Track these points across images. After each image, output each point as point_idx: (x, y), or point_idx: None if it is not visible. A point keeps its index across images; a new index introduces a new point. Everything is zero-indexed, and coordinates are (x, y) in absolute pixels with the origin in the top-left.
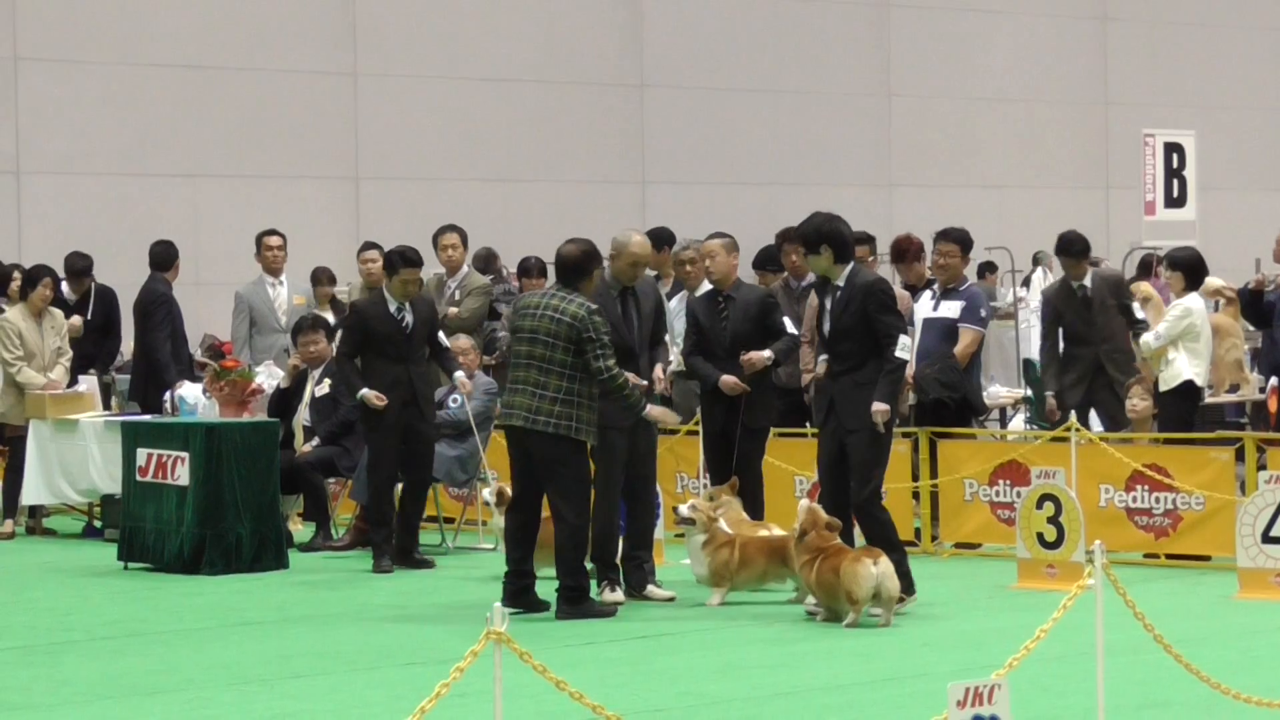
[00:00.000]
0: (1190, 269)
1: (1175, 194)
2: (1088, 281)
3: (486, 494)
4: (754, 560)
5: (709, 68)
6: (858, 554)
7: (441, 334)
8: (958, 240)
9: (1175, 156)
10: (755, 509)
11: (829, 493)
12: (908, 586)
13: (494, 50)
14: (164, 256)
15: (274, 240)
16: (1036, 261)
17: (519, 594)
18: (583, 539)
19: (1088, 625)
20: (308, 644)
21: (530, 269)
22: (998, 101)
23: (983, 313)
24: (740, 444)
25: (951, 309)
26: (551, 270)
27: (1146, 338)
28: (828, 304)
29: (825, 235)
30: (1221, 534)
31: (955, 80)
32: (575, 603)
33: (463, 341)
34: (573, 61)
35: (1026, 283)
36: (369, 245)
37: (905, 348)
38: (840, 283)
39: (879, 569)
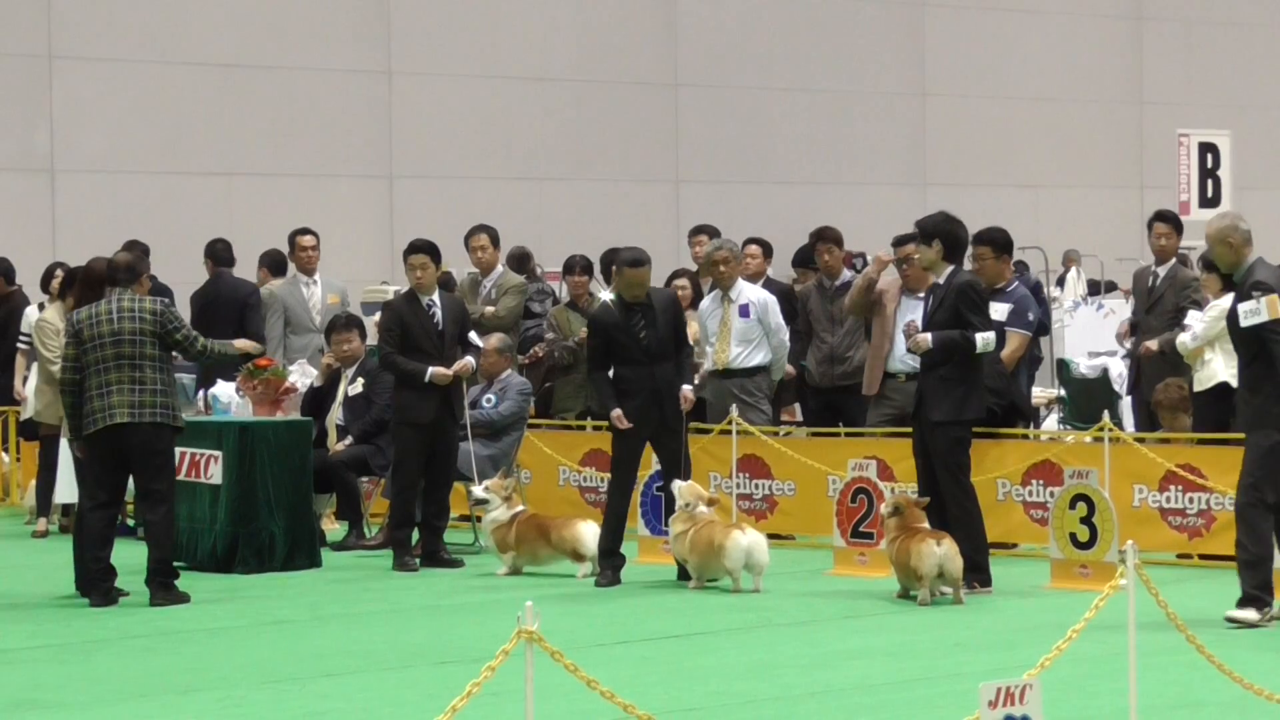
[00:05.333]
0: None
1: (1210, 194)
2: (1160, 270)
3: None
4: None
5: (744, 67)
6: (925, 534)
7: (474, 334)
8: (988, 241)
9: (1210, 156)
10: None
11: (922, 479)
12: (983, 579)
13: (529, 49)
14: (229, 253)
15: (307, 240)
16: (1068, 261)
17: (109, 591)
18: (176, 520)
19: (1120, 626)
20: (340, 643)
21: (575, 266)
22: (1032, 101)
23: (1030, 315)
24: (669, 444)
25: (998, 311)
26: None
27: (1183, 338)
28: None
29: (941, 231)
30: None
31: (990, 80)
32: (170, 589)
33: (491, 341)
34: (607, 60)
35: (1060, 283)
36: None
37: (987, 342)
38: (940, 281)
39: (942, 549)
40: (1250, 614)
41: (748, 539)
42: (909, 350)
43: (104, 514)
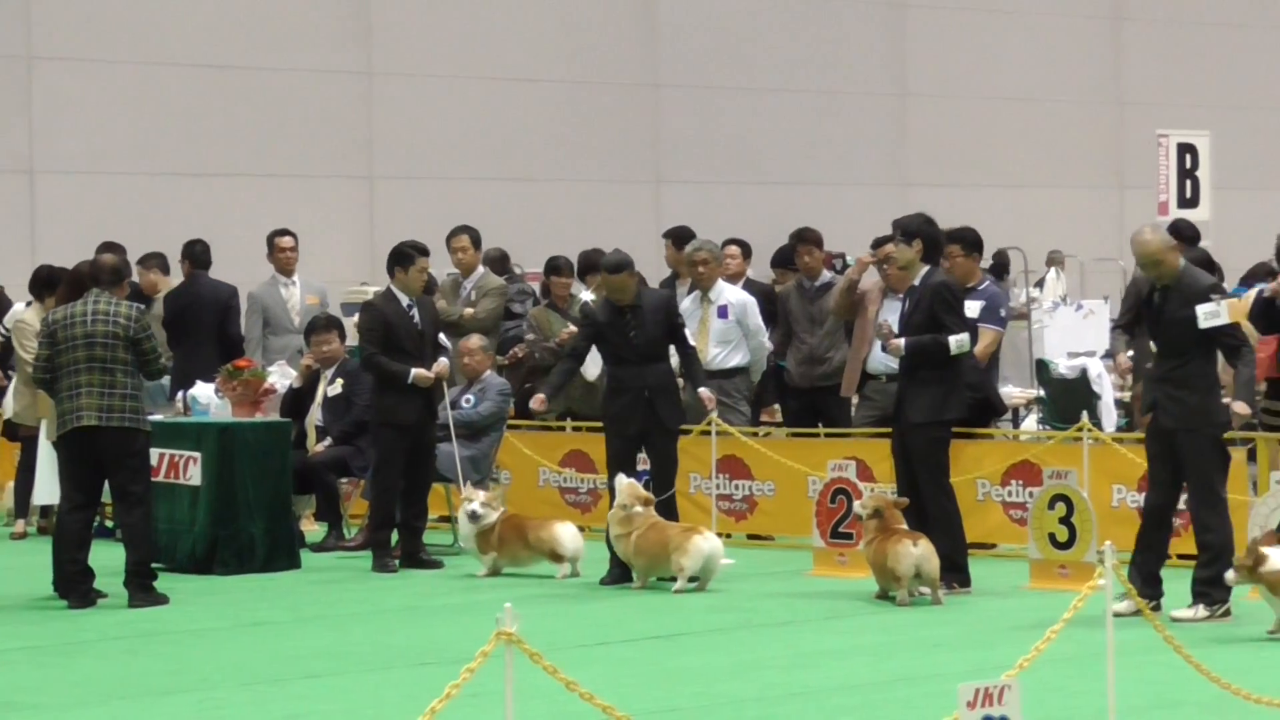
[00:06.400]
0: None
1: (1189, 194)
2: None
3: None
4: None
5: (724, 67)
6: (900, 535)
7: (442, 335)
8: (958, 239)
9: (1189, 157)
10: (672, 511)
11: (902, 481)
12: (962, 579)
13: (509, 50)
14: (208, 255)
15: (285, 241)
16: (1050, 262)
17: (87, 593)
18: (153, 522)
19: (1099, 625)
20: (320, 644)
21: (560, 267)
22: (1012, 101)
23: (1002, 312)
24: (661, 445)
25: (970, 309)
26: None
27: None
28: (906, 305)
29: (923, 233)
30: (1234, 533)
31: (970, 80)
32: (149, 590)
33: (472, 341)
34: (588, 61)
35: (1040, 283)
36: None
37: (960, 344)
38: (916, 282)
39: (919, 550)
40: (1200, 611)
41: (709, 544)
42: (884, 350)
43: (81, 516)
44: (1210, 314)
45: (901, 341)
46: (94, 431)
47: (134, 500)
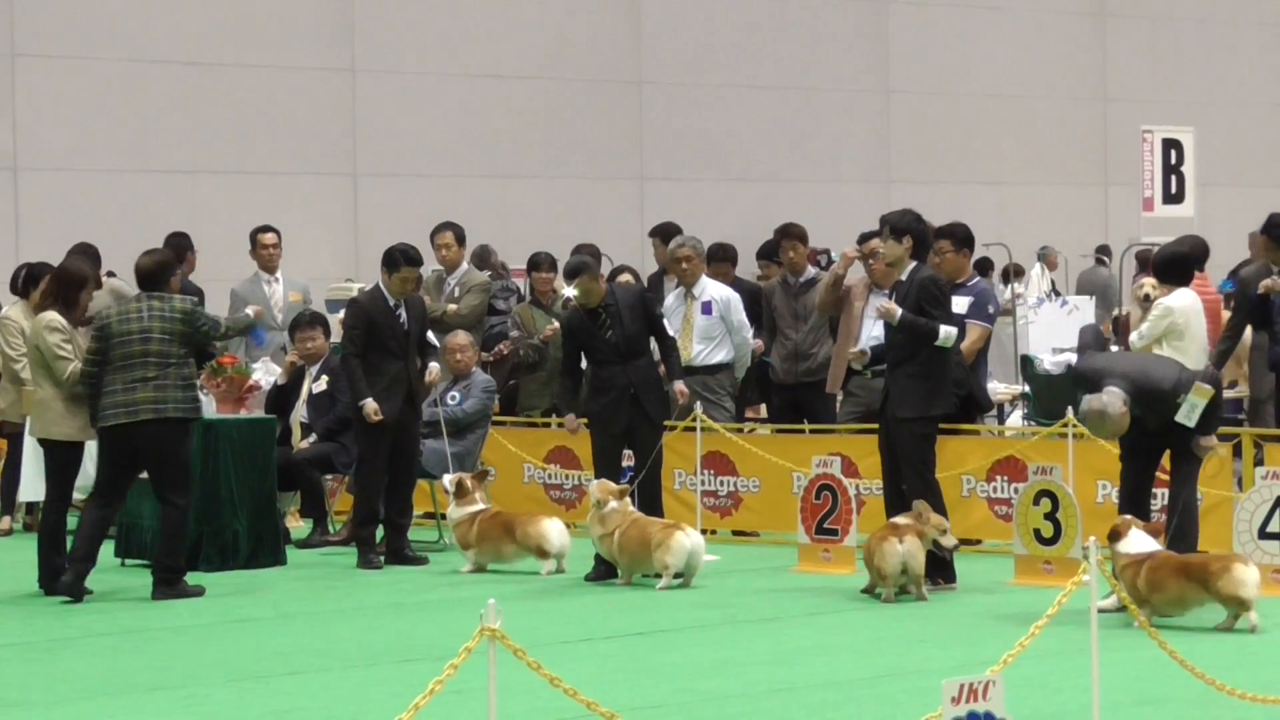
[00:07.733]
0: (1169, 268)
1: (1173, 190)
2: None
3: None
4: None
5: (708, 64)
6: (884, 532)
7: (431, 333)
8: (948, 235)
9: (1174, 153)
10: (656, 506)
11: (887, 476)
12: (947, 575)
13: (492, 47)
14: (180, 250)
15: (269, 237)
16: (1039, 258)
17: (79, 584)
18: (190, 521)
19: (1083, 621)
20: (304, 640)
21: (541, 263)
22: (996, 98)
23: (990, 309)
24: (647, 440)
25: (959, 305)
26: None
27: (1131, 337)
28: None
29: (913, 230)
30: (1218, 530)
31: (954, 76)
32: (172, 584)
33: (460, 338)
34: (571, 58)
35: (1023, 276)
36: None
37: (948, 335)
38: (903, 278)
39: (905, 546)
40: None
41: (691, 540)
42: (880, 318)
43: (101, 511)
44: (1190, 410)
45: (899, 310)
46: (146, 425)
47: (171, 497)
